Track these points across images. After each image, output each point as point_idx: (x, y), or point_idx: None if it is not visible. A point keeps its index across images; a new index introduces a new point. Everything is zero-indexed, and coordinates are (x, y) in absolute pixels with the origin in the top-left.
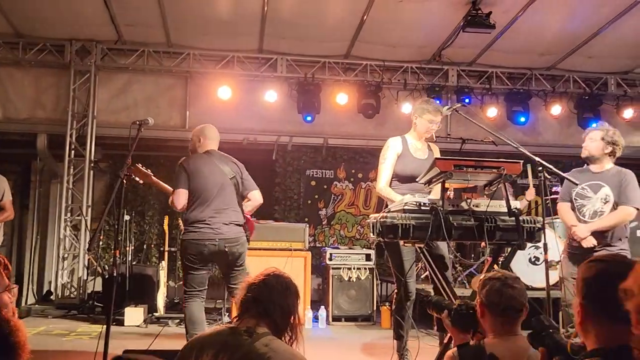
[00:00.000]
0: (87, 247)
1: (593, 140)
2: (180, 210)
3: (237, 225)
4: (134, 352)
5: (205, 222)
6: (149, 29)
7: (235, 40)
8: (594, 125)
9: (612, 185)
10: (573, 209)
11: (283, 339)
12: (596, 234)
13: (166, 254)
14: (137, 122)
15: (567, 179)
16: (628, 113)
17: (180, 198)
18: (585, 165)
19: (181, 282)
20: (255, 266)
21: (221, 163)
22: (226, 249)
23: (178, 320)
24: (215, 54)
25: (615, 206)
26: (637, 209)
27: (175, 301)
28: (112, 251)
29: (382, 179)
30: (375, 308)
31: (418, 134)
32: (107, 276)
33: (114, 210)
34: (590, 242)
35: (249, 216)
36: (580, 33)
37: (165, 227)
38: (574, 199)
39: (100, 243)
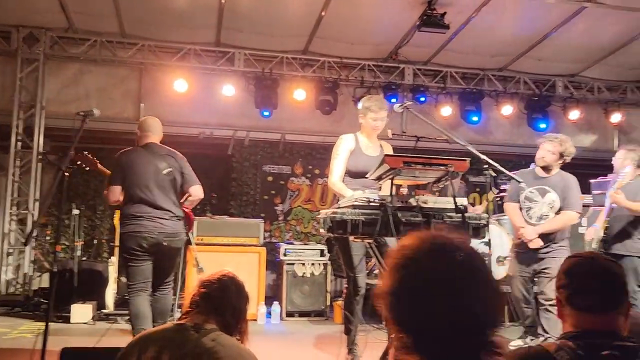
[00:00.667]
0: (25, 242)
1: (552, 153)
2: (113, 204)
3: (177, 219)
4: (75, 350)
5: (143, 216)
6: (102, 18)
7: (192, 33)
8: (546, 134)
9: (557, 191)
10: (520, 209)
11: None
12: (541, 235)
13: (116, 249)
14: (82, 113)
15: (513, 178)
16: (574, 115)
17: (111, 194)
18: (532, 165)
19: None
20: (210, 262)
21: (156, 157)
22: (165, 243)
23: (128, 317)
24: (171, 46)
25: (559, 211)
26: (579, 213)
27: (126, 297)
28: (60, 246)
29: (335, 173)
30: (328, 303)
31: (367, 132)
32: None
33: (58, 203)
34: (537, 243)
35: (187, 211)
36: (530, 36)
37: (116, 222)
38: (523, 201)
39: (48, 238)
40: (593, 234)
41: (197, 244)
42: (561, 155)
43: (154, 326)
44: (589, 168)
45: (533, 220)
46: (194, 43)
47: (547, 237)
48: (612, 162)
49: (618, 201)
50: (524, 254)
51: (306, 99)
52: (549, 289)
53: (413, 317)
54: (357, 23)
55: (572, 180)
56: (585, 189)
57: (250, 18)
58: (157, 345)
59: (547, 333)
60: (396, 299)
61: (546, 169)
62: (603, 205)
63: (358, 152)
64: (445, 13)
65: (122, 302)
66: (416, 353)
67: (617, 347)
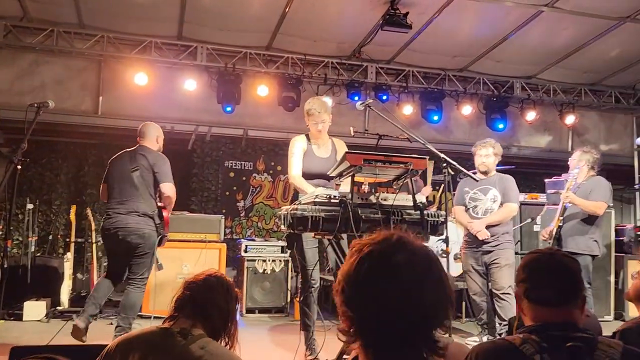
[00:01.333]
0: None
1: (489, 156)
2: (103, 201)
3: (138, 215)
4: (26, 348)
5: (108, 212)
6: (59, 7)
7: (154, 25)
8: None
9: (498, 188)
10: (467, 210)
11: (219, 343)
12: (488, 228)
13: (72, 244)
14: (36, 105)
15: (471, 177)
16: (531, 116)
17: (100, 192)
18: (477, 172)
19: (89, 275)
20: (169, 258)
21: (131, 157)
22: (120, 237)
23: None
24: (131, 39)
25: (501, 205)
26: (518, 205)
27: (83, 294)
28: (13, 241)
29: (294, 168)
30: (289, 300)
31: (314, 134)
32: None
33: (10, 197)
34: (484, 234)
35: (164, 210)
36: (489, 38)
37: (72, 217)
38: (468, 202)
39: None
40: (548, 233)
41: None
42: (496, 156)
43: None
44: (544, 168)
45: (479, 215)
46: (155, 36)
47: (493, 231)
48: (569, 163)
49: (572, 199)
50: (475, 249)
51: (269, 95)
52: (500, 278)
53: (361, 304)
54: (321, 20)
55: (509, 177)
56: (540, 188)
57: (213, 12)
58: (140, 351)
59: (503, 321)
60: (348, 286)
61: (486, 172)
62: (557, 205)
63: (310, 153)
64: (407, 13)
65: (77, 299)
66: (361, 341)
67: (579, 338)
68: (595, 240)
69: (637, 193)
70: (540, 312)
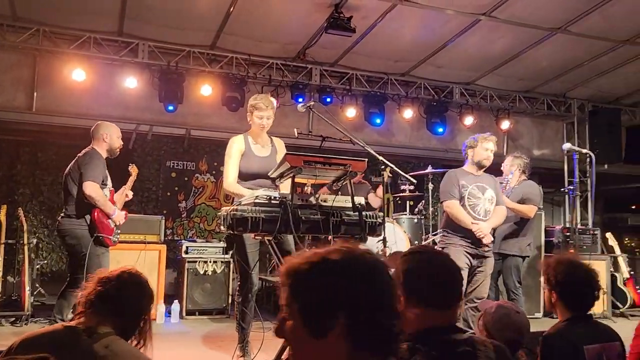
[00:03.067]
0: None
1: (493, 151)
2: None
3: (69, 217)
4: None
5: None
6: None
7: (93, 20)
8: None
9: (491, 188)
10: (464, 206)
11: (130, 342)
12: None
13: (2, 246)
14: None
15: (409, 179)
16: (468, 120)
17: None
18: (477, 165)
19: (20, 278)
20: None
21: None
22: (60, 239)
23: (14, 319)
24: (69, 33)
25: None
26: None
27: (13, 298)
28: None
29: (230, 175)
30: (230, 301)
31: (256, 131)
32: None
33: None
34: (490, 239)
35: (94, 211)
36: (430, 44)
37: (2, 217)
38: (467, 198)
39: None
40: None
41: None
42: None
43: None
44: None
45: (481, 216)
46: (94, 31)
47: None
48: (502, 168)
49: (509, 205)
50: (473, 250)
51: (213, 94)
52: (484, 287)
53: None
54: (266, 21)
55: (496, 178)
56: None
57: (156, 9)
58: (43, 350)
59: (471, 329)
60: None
61: (482, 167)
62: None
63: (249, 153)
64: (351, 17)
65: (8, 303)
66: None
67: (464, 341)
68: (527, 242)
69: (567, 196)
70: (426, 315)
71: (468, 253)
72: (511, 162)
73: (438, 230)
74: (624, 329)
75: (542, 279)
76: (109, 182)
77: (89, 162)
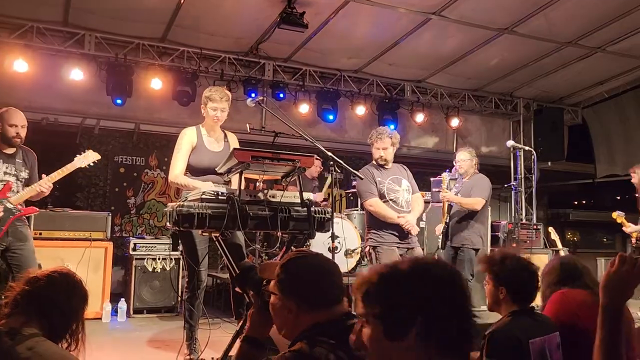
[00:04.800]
0: None
1: (387, 149)
2: None
3: None
4: None
5: None
6: None
7: (35, 9)
8: (389, 127)
9: (405, 177)
10: (385, 202)
11: (60, 345)
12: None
13: None
14: None
15: (354, 173)
16: (419, 117)
17: None
18: (376, 162)
19: None
20: (49, 258)
21: None
22: None
23: None
24: (10, 22)
25: None
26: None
27: None
28: None
29: (177, 167)
30: (179, 299)
31: (209, 124)
32: None
33: None
34: (417, 229)
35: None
36: (382, 42)
37: None
38: (387, 193)
39: None
40: (439, 230)
41: (34, 239)
42: (393, 146)
43: None
44: (431, 167)
45: (404, 208)
46: (37, 20)
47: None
48: (454, 163)
49: (450, 198)
50: (402, 245)
51: (163, 88)
52: None
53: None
54: (217, 14)
55: (405, 166)
56: (427, 187)
57: None
58: None
59: None
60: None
61: (385, 164)
62: (440, 202)
63: (201, 147)
64: (304, 12)
65: None
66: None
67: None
68: (479, 235)
69: (512, 192)
70: (318, 315)
71: (399, 249)
72: (465, 156)
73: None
74: None
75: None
76: (2, 175)
77: None
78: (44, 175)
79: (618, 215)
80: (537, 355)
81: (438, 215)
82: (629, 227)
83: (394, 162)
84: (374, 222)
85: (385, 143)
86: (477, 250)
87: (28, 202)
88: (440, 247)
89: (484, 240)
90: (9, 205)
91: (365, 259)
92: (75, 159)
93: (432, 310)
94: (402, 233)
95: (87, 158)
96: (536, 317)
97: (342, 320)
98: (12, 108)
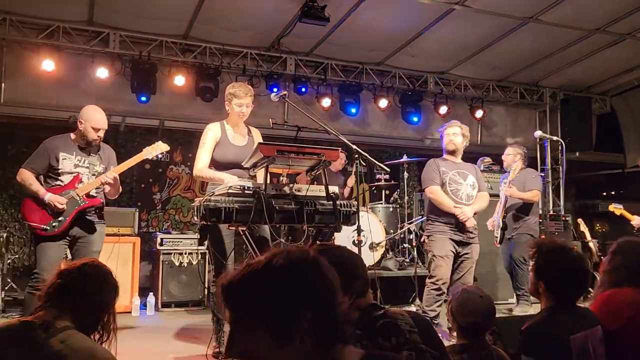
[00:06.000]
0: None
1: (457, 135)
2: None
3: None
4: None
5: None
6: None
7: (62, 9)
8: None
9: (472, 174)
10: (445, 192)
11: (92, 337)
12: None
13: None
14: None
15: (379, 166)
16: (443, 109)
17: None
18: (446, 149)
19: None
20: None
21: None
22: None
23: None
24: (37, 22)
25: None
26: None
27: None
28: None
29: (201, 161)
30: (206, 293)
31: (234, 120)
32: None
33: None
34: (472, 222)
35: (25, 198)
36: (404, 33)
37: None
38: (448, 183)
39: None
40: (493, 223)
41: None
42: (464, 137)
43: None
44: None
45: (464, 201)
46: (63, 20)
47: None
48: (503, 159)
49: (512, 194)
50: (458, 235)
51: (186, 85)
52: (471, 274)
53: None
54: (239, 10)
55: (477, 167)
56: None
57: None
58: None
59: None
60: None
61: (454, 152)
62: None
63: (225, 142)
64: (325, 6)
65: None
66: None
67: (385, 315)
68: (535, 226)
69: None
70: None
71: (453, 240)
72: (514, 152)
73: (416, 218)
74: None
75: (530, 263)
76: (71, 166)
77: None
78: (111, 167)
79: (615, 208)
80: (579, 351)
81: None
82: (634, 219)
83: (466, 162)
84: (432, 210)
85: (454, 130)
86: (531, 235)
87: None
88: (498, 241)
89: (536, 225)
90: (75, 196)
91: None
92: (143, 150)
93: (318, 301)
94: (458, 224)
95: (156, 149)
96: (576, 311)
97: (367, 311)
98: (97, 108)
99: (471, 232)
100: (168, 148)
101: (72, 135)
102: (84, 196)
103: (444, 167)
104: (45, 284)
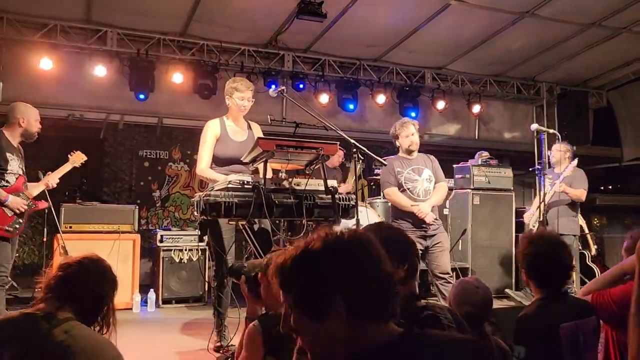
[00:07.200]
0: None
1: (415, 134)
2: None
3: None
4: None
5: None
6: None
7: (59, 7)
8: (408, 118)
9: (428, 167)
10: (402, 191)
11: (93, 328)
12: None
13: None
14: None
15: (383, 163)
16: (440, 105)
17: None
18: (407, 150)
19: None
20: (79, 250)
21: None
22: None
23: None
24: (34, 21)
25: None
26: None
27: None
28: None
29: (203, 161)
30: (206, 288)
31: (234, 115)
32: None
33: None
34: (432, 217)
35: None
36: (402, 29)
37: None
38: (404, 182)
39: None
40: (530, 217)
41: (64, 232)
42: (417, 131)
43: None
44: (453, 155)
45: (421, 197)
46: (61, 19)
47: (434, 213)
48: (552, 157)
49: (566, 190)
50: (419, 232)
51: (184, 82)
52: (445, 262)
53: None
54: (236, 7)
55: (433, 157)
56: (449, 174)
57: None
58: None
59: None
60: None
61: (412, 152)
62: (463, 189)
63: (225, 138)
64: (322, 2)
65: None
66: None
67: (428, 308)
68: (577, 223)
69: (537, 176)
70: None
71: (417, 237)
72: (565, 149)
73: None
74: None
75: (513, 256)
76: (16, 167)
77: None
78: (49, 172)
79: None
80: (568, 340)
81: (461, 202)
82: None
83: (420, 152)
84: (394, 212)
85: (410, 129)
86: (575, 236)
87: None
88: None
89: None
90: (26, 199)
91: None
92: (69, 159)
93: (349, 285)
94: (416, 221)
95: (79, 158)
96: (569, 301)
97: (411, 300)
98: (24, 103)
99: (433, 224)
100: (86, 158)
101: (7, 136)
102: (32, 199)
103: (398, 168)
104: (44, 278)
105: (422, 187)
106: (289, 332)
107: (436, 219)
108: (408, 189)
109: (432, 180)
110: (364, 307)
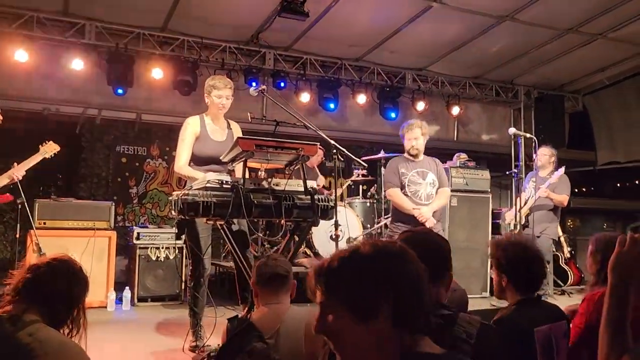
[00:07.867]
0: None
1: (418, 139)
2: None
3: None
4: None
5: None
6: None
7: None
8: (417, 120)
9: (432, 171)
10: (405, 194)
11: (62, 331)
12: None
13: None
14: None
15: (357, 161)
16: (420, 106)
17: None
18: (408, 153)
19: None
20: (53, 247)
21: None
22: None
23: None
24: (10, 12)
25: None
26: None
27: None
28: None
29: (182, 158)
30: (183, 287)
31: (213, 112)
32: None
33: None
34: (432, 222)
35: None
36: (383, 29)
37: None
38: (407, 185)
39: None
40: (511, 217)
41: (38, 228)
42: (424, 135)
43: None
44: (432, 156)
45: (423, 201)
46: (37, 10)
47: (434, 216)
48: (537, 159)
49: (549, 195)
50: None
51: (164, 78)
52: None
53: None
54: (218, 3)
55: (438, 161)
56: None
57: None
58: None
59: None
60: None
61: (417, 155)
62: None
63: (205, 137)
64: (305, 0)
65: None
66: None
67: (440, 315)
68: (557, 227)
69: (514, 179)
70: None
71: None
72: (550, 153)
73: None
74: (565, 305)
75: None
76: None
77: None
78: (15, 164)
79: None
80: (542, 344)
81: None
82: None
83: (427, 155)
84: (394, 214)
85: (415, 133)
86: (554, 240)
87: None
88: None
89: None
90: None
91: None
92: (40, 149)
93: (399, 290)
94: (416, 225)
95: (50, 148)
96: (543, 305)
97: (435, 306)
98: None
99: (433, 229)
100: (59, 148)
101: None
102: None
103: (403, 169)
104: (12, 279)
105: (425, 191)
106: (323, 334)
107: (438, 221)
108: (411, 192)
109: (435, 185)
110: (409, 314)
